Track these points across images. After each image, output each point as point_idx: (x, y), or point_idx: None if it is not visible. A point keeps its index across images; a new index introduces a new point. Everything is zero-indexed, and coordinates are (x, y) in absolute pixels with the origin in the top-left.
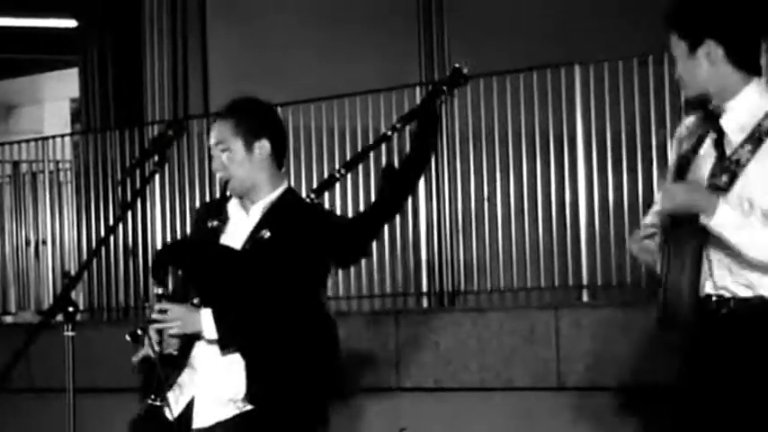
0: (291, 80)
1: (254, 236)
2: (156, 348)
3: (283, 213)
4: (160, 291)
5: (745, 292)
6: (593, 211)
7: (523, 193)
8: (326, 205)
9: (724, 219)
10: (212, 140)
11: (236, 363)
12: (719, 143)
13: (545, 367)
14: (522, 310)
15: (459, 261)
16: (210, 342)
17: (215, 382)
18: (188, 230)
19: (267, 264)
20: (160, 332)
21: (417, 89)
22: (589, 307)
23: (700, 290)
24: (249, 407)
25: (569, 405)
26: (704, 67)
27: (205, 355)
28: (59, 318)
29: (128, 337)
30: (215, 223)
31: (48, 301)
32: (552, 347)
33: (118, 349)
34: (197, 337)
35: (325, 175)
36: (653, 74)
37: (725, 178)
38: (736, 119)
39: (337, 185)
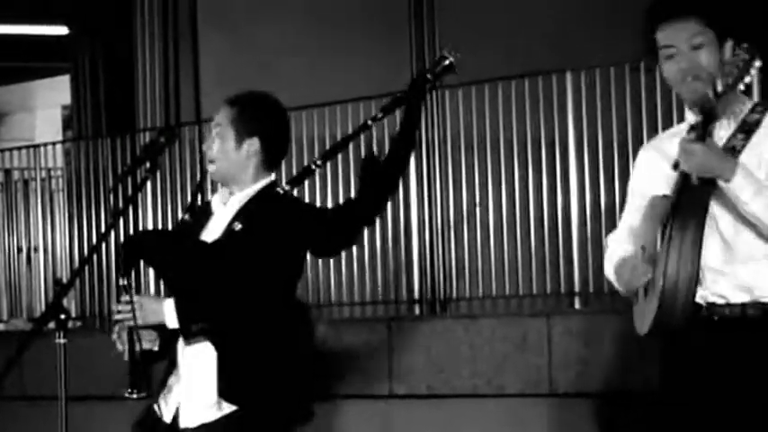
0: (283, 87)
1: (229, 228)
2: (121, 346)
3: (260, 206)
4: (124, 282)
5: (739, 297)
6: (585, 217)
7: (515, 200)
8: (308, 198)
9: (743, 182)
10: (214, 120)
11: (213, 359)
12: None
13: (537, 374)
14: (514, 317)
15: (451, 268)
16: (188, 335)
17: (198, 381)
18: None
19: (237, 254)
20: (130, 327)
21: None
22: (581, 314)
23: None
24: (232, 408)
25: (561, 412)
26: (723, 61)
27: (189, 355)
28: (51, 325)
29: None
30: (186, 217)
31: (39, 308)
32: (544, 354)
33: (110, 357)
34: (176, 333)
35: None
36: (644, 80)
37: None
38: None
39: (326, 179)
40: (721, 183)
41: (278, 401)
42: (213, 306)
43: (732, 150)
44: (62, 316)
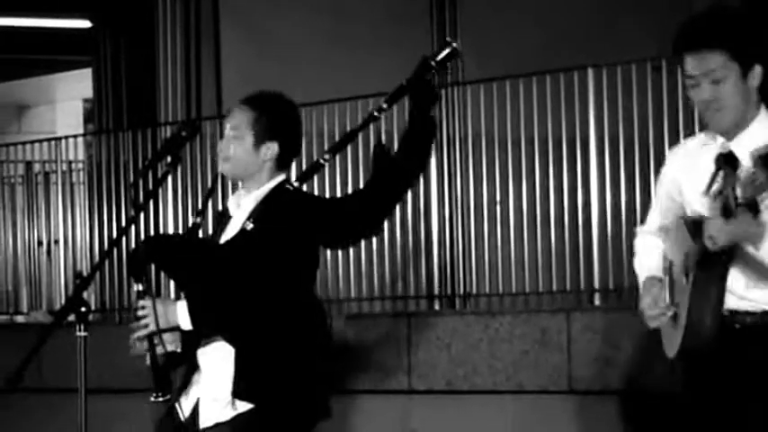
0: (304, 82)
1: (242, 227)
2: (140, 348)
3: (272, 204)
4: (139, 287)
5: (759, 309)
6: (606, 214)
7: (536, 197)
8: (317, 192)
9: None
10: (228, 122)
11: (228, 357)
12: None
13: (556, 371)
14: (533, 313)
15: (471, 264)
16: (209, 339)
17: (216, 381)
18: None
19: (249, 253)
20: (150, 331)
21: None
22: (601, 311)
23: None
24: (247, 407)
25: (580, 409)
26: (748, 93)
27: (209, 355)
28: (71, 318)
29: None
30: (197, 220)
31: (60, 301)
32: (564, 351)
33: (129, 350)
34: (195, 334)
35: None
36: (666, 77)
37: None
38: (747, 147)
39: (337, 172)
40: (749, 248)
41: (293, 399)
42: (226, 306)
43: (755, 208)
44: (82, 309)
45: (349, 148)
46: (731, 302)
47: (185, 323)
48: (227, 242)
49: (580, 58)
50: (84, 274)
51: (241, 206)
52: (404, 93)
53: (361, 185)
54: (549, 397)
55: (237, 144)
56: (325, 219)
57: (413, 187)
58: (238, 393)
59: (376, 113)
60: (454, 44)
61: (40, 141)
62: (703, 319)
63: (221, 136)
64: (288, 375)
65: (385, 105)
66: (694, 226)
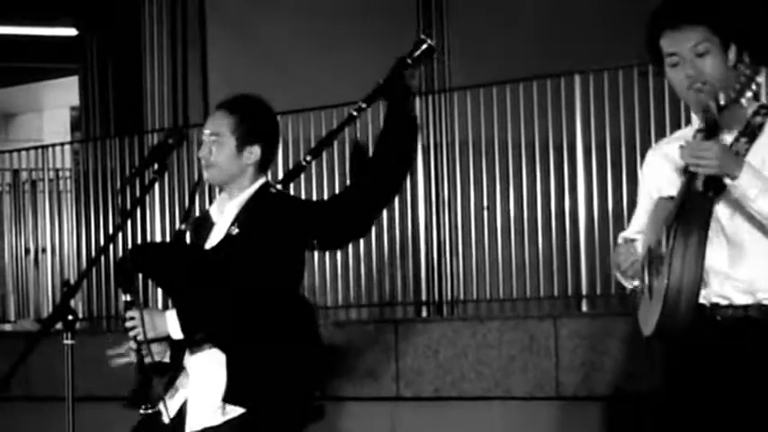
0: (291, 88)
1: (226, 233)
2: (130, 357)
3: (256, 208)
4: (128, 298)
5: (742, 299)
6: (593, 220)
7: (523, 203)
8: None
9: (750, 179)
10: (208, 128)
11: (220, 363)
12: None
13: (544, 377)
14: (521, 319)
15: (458, 270)
16: (193, 344)
17: (206, 385)
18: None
19: (236, 258)
20: (138, 341)
21: (417, 99)
22: (588, 317)
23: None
24: (238, 412)
25: (568, 415)
26: (728, 69)
27: (197, 359)
28: (59, 326)
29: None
30: (182, 227)
31: (47, 309)
32: (551, 357)
33: (109, 361)
34: (184, 341)
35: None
36: (653, 83)
37: None
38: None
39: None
40: (728, 180)
41: (283, 403)
42: (215, 313)
43: (736, 155)
44: (69, 317)
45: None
46: (715, 285)
47: (175, 332)
48: (214, 248)
49: (567, 65)
50: (72, 282)
51: (225, 212)
52: (381, 92)
53: (344, 186)
54: (537, 403)
55: (219, 149)
56: (311, 221)
57: (399, 186)
58: (231, 399)
59: (354, 113)
60: (429, 41)
61: (27, 149)
62: (682, 278)
63: None
64: (279, 380)
65: (363, 105)
66: (671, 198)
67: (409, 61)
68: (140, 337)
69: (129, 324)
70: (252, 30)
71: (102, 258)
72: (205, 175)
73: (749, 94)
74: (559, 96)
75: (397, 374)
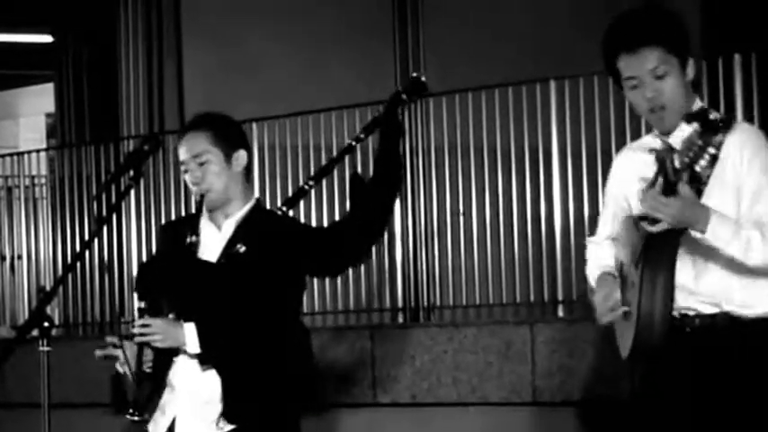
0: (267, 96)
1: (229, 250)
2: (132, 364)
3: (256, 227)
4: (142, 305)
5: (708, 309)
6: (569, 225)
7: (499, 208)
8: (301, 218)
9: (718, 229)
10: (188, 154)
11: (214, 380)
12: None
13: (520, 382)
14: (497, 325)
15: (434, 276)
16: (191, 357)
17: (194, 400)
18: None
19: (244, 278)
20: (140, 347)
21: None
22: (564, 322)
23: (672, 314)
24: (230, 427)
25: (544, 420)
26: (687, 86)
27: (183, 374)
28: (35, 333)
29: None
30: (193, 239)
31: (23, 316)
32: (528, 363)
33: (93, 365)
34: (174, 353)
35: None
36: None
37: None
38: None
39: (312, 198)
40: (694, 233)
41: (278, 419)
42: (229, 332)
43: (698, 181)
44: (45, 324)
45: (312, 167)
46: (680, 300)
47: (192, 346)
48: (222, 266)
49: (542, 70)
50: (48, 288)
51: (222, 230)
52: (378, 124)
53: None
54: (514, 408)
55: (209, 167)
56: (313, 247)
57: (389, 217)
58: (229, 416)
59: (353, 143)
60: (422, 78)
61: (3, 156)
62: (653, 312)
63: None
64: (274, 399)
65: (362, 135)
66: (641, 219)
67: (404, 97)
68: (159, 345)
69: (141, 330)
70: (228, 37)
71: (78, 265)
72: (207, 201)
73: (703, 162)
74: (535, 102)
75: (373, 381)
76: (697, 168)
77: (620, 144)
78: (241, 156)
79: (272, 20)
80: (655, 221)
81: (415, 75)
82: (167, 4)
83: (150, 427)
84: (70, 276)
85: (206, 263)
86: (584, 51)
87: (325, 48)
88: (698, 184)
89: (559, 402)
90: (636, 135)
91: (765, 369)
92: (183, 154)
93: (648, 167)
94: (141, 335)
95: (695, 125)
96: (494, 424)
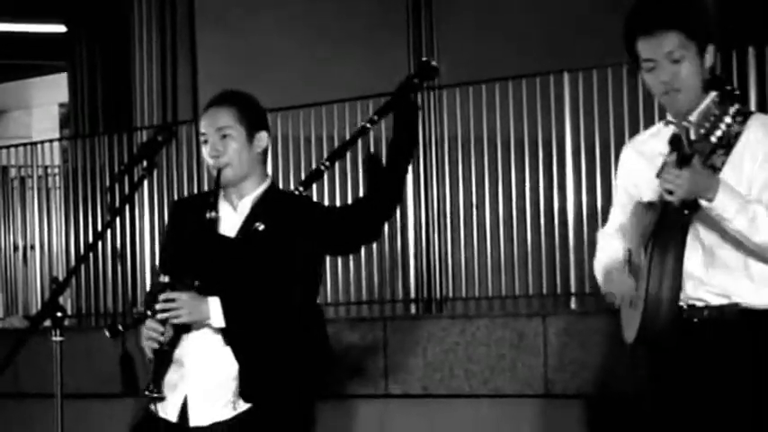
0: (281, 86)
1: (246, 229)
2: (161, 338)
3: (273, 206)
4: (167, 279)
5: (718, 300)
6: (582, 218)
7: (512, 200)
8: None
9: (726, 200)
10: (211, 126)
11: (229, 360)
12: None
13: (533, 375)
14: (509, 317)
15: (447, 268)
16: (206, 335)
17: (207, 380)
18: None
19: (264, 255)
20: (163, 322)
21: None
22: (577, 315)
23: (679, 302)
24: (246, 407)
25: (556, 413)
26: (704, 72)
27: (196, 352)
28: (47, 323)
29: (107, 332)
30: (212, 214)
31: (36, 306)
32: (540, 355)
33: (106, 355)
34: (184, 330)
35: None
36: (642, 81)
37: None
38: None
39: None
40: (704, 202)
41: (295, 403)
42: (253, 308)
43: (712, 169)
44: (58, 314)
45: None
46: (690, 290)
47: (217, 320)
48: (240, 241)
49: (556, 62)
50: (60, 279)
51: (237, 209)
52: (390, 108)
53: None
54: (526, 401)
55: (231, 142)
56: (329, 225)
57: (400, 197)
58: (246, 394)
59: (368, 125)
60: (433, 62)
61: (16, 146)
62: (660, 296)
63: (197, 140)
64: (289, 377)
65: (375, 117)
66: (650, 205)
67: (416, 81)
68: (179, 320)
69: (165, 306)
70: (241, 27)
71: (91, 255)
72: (225, 173)
73: (719, 132)
74: (548, 94)
75: (385, 372)
76: (713, 139)
77: (634, 135)
78: (262, 137)
79: (285, 10)
80: (671, 194)
81: (425, 59)
82: None
83: (159, 406)
84: (83, 267)
85: (228, 238)
86: (598, 44)
87: (338, 39)
88: (712, 170)
89: (572, 395)
90: (650, 126)
91: None
92: (205, 126)
93: (656, 154)
94: (164, 310)
95: (713, 95)
96: (505, 416)
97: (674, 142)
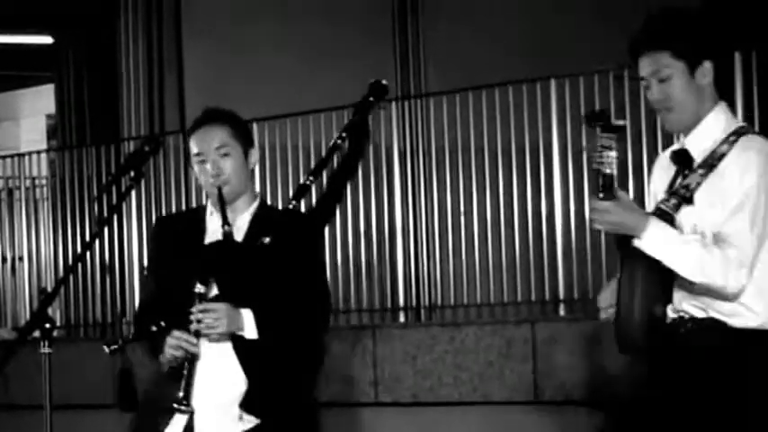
0: (267, 96)
1: (251, 244)
2: (195, 350)
3: (269, 222)
4: (202, 290)
5: (700, 314)
6: (570, 224)
7: (500, 208)
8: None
9: (653, 240)
10: (210, 145)
11: (234, 372)
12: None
13: (522, 381)
14: (498, 324)
15: (435, 276)
16: (219, 350)
17: (220, 393)
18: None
19: (275, 269)
20: (197, 333)
21: (393, 104)
22: (566, 321)
23: (653, 311)
24: (254, 422)
25: (546, 419)
26: (700, 90)
27: (206, 367)
28: (36, 334)
29: (105, 348)
30: (226, 228)
31: (24, 317)
32: (529, 362)
33: (94, 366)
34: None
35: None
36: (628, 87)
37: (673, 201)
38: (701, 143)
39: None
40: (635, 241)
41: (301, 413)
42: (283, 318)
43: (686, 188)
44: (47, 325)
45: (311, 166)
46: (678, 302)
47: (251, 331)
48: (257, 254)
49: (543, 69)
50: (49, 289)
51: (236, 224)
52: (353, 126)
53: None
54: (515, 408)
55: (231, 160)
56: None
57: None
58: (254, 410)
59: (338, 142)
60: (383, 81)
61: (4, 158)
62: (632, 303)
63: (185, 150)
64: (293, 391)
65: (344, 135)
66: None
67: (371, 99)
68: (217, 331)
69: (200, 316)
70: (227, 37)
71: (79, 266)
72: (226, 191)
73: (608, 170)
74: (535, 101)
75: (375, 380)
76: (607, 171)
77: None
78: (254, 153)
79: (271, 20)
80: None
81: (373, 80)
82: (167, 6)
83: (165, 423)
84: (71, 277)
85: (251, 248)
86: (584, 51)
87: (324, 49)
88: (685, 190)
89: (560, 401)
90: (636, 134)
91: (750, 372)
92: (200, 146)
93: (666, 170)
94: (199, 321)
95: (598, 128)
96: (495, 423)
97: (674, 159)
